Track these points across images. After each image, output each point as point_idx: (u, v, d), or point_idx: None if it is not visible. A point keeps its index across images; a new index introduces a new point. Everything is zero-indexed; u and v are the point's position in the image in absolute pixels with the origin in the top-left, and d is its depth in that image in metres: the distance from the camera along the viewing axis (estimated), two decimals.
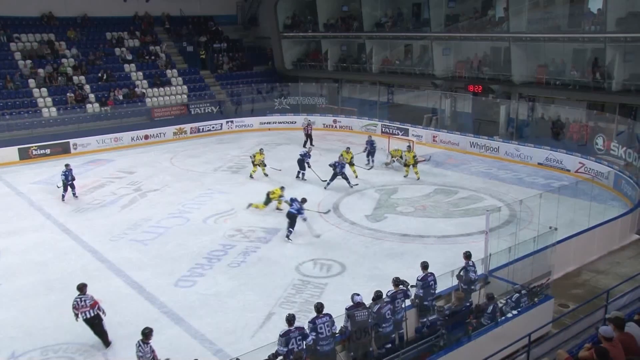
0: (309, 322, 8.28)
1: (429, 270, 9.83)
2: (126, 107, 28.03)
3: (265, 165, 20.57)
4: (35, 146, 23.82)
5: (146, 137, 26.57)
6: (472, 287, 10.11)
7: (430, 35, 27.26)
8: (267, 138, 27.03)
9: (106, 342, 10.11)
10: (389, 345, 8.91)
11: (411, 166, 20.10)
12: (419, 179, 20.01)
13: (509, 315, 9.29)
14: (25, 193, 19.23)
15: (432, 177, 20.35)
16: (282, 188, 16.73)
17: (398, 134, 25.71)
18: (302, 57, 34.12)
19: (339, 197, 18.20)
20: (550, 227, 11.53)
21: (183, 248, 14.36)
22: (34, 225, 16.15)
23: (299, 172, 20.10)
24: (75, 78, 28.12)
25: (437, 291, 9.90)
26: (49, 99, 26.67)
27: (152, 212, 17.10)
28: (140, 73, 30.00)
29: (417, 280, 9.64)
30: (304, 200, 15.08)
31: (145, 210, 17.24)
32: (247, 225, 15.87)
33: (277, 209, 16.65)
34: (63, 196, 18.17)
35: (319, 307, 8.43)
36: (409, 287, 9.39)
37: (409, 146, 21.09)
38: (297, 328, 8.01)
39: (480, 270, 10.69)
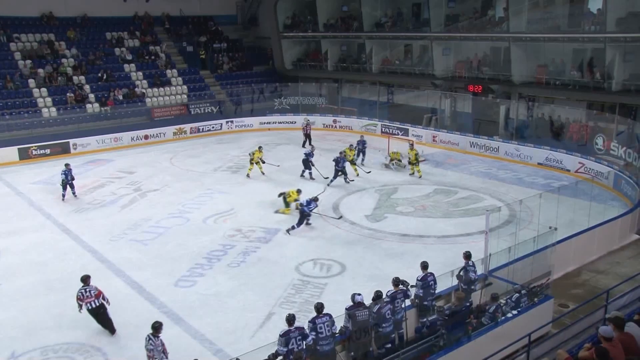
0: (309, 322, 8.28)
1: (429, 270, 9.83)
2: (126, 107, 28.03)
3: (263, 162, 20.61)
4: (35, 146, 23.82)
5: (146, 137, 26.57)
6: (472, 287, 10.12)
7: (430, 35, 27.26)
8: (267, 138, 27.02)
9: (112, 330, 10.43)
10: (389, 345, 8.91)
11: (413, 164, 20.27)
12: (420, 177, 20.12)
13: (509, 315, 9.29)
14: (25, 193, 19.23)
15: (432, 177, 20.36)
16: (298, 191, 16.62)
17: (398, 134, 25.72)
18: (302, 57, 34.13)
19: (339, 197, 18.20)
20: (550, 227, 11.54)
21: (183, 248, 14.36)
22: (33, 225, 16.15)
23: (303, 171, 20.24)
24: (75, 78, 28.12)
25: (437, 291, 9.90)
26: (48, 99, 26.67)
27: (152, 212, 17.10)
28: (140, 73, 30.00)
29: (417, 280, 9.64)
30: (316, 199, 15.68)
31: (145, 210, 17.24)
32: (247, 225, 15.87)
33: (297, 209, 16.21)
34: (63, 195, 18.19)
35: (319, 307, 8.44)
36: (408, 287, 9.40)
37: (412, 144, 21.22)
38: (297, 328, 8.01)
39: (480, 270, 10.70)
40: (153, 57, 31.20)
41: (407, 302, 9.45)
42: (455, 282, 10.25)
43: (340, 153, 19.63)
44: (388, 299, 8.95)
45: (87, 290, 10.24)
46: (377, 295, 8.88)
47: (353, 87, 31.60)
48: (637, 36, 20.25)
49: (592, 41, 22.12)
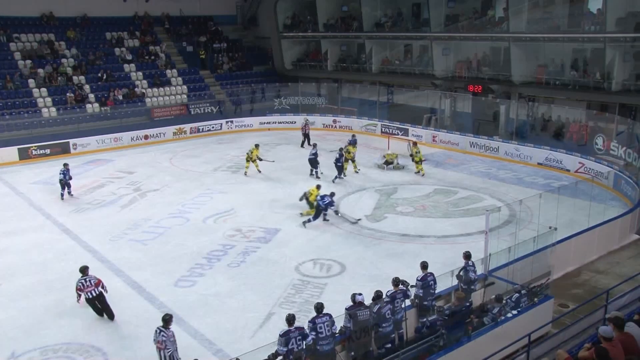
0: (309, 322, 8.28)
1: (429, 270, 9.83)
2: (126, 107, 28.03)
3: (260, 160, 20.71)
4: (35, 146, 23.82)
5: (146, 137, 26.57)
6: (472, 287, 10.12)
7: (430, 35, 27.26)
8: (266, 138, 27.02)
9: (111, 315, 10.87)
10: (389, 345, 8.91)
11: (418, 163, 20.46)
12: (423, 175, 20.24)
13: (509, 315, 9.30)
14: (25, 193, 19.23)
15: (432, 177, 20.36)
16: (318, 187, 16.74)
17: (398, 134, 25.72)
18: (302, 57, 34.14)
19: (339, 197, 18.16)
20: (550, 227, 11.55)
21: (183, 248, 14.36)
22: (33, 226, 16.15)
23: (312, 170, 20.42)
24: (75, 78, 28.12)
25: (437, 291, 9.90)
26: (48, 99, 26.67)
27: (152, 212, 17.09)
28: (140, 73, 30.00)
29: (417, 280, 9.64)
30: (332, 194, 15.91)
31: (145, 210, 17.24)
32: (246, 225, 15.86)
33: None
34: (62, 195, 18.25)
35: (319, 307, 8.44)
36: (408, 287, 9.40)
37: (415, 142, 21.40)
38: (297, 328, 8.01)
39: (480, 270, 10.70)
40: (153, 57, 31.20)
41: (407, 302, 9.44)
42: (455, 282, 10.25)
43: (340, 149, 20.07)
44: (388, 299, 8.95)
45: (87, 279, 10.71)
46: (377, 295, 8.89)
47: (353, 87, 31.60)
48: (637, 36, 20.26)
49: (592, 41, 22.13)
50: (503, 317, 9.19)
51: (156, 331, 8.63)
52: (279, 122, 29.69)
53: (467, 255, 10.28)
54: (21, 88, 26.65)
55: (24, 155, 23.47)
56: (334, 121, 29.37)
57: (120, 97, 28.20)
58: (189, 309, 11.32)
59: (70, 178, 18.33)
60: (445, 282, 10.28)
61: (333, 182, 19.48)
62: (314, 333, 8.14)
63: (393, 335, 9.06)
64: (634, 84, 20.90)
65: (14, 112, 25.46)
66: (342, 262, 13.35)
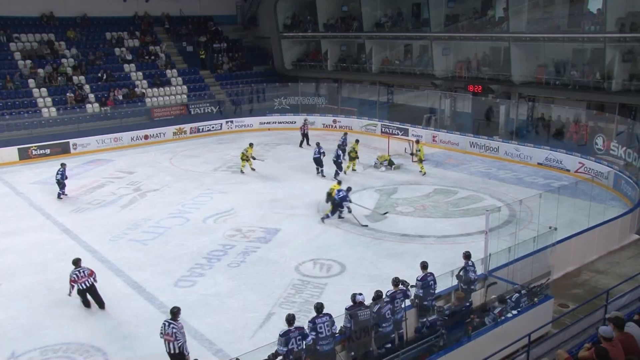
0: (309, 322, 8.28)
1: (429, 270, 9.83)
2: (126, 107, 28.03)
3: (254, 159, 20.88)
4: (35, 146, 23.82)
5: (146, 137, 26.57)
6: (472, 287, 10.12)
7: (430, 35, 27.26)
8: (266, 138, 27.03)
9: (102, 304, 11.19)
10: (389, 345, 8.91)
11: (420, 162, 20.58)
12: (424, 174, 20.28)
13: (509, 315, 9.30)
14: (25, 193, 19.23)
15: (432, 177, 20.36)
16: (339, 182, 16.86)
17: (398, 134, 25.72)
18: (302, 57, 34.13)
19: None
20: (549, 227, 11.54)
21: (183, 248, 14.35)
22: (33, 226, 16.15)
23: (317, 168, 20.55)
24: (75, 78, 28.11)
25: (437, 291, 9.89)
26: (48, 99, 26.66)
27: (152, 212, 17.09)
28: (140, 73, 30.00)
29: (417, 280, 9.64)
30: (349, 189, 16.20)
31: (145, 210, 17.24)
32: (246, 225, 15.86)
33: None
34: (59, 194, 18.30)
35: (319, 307, 8.44)
36: (408, 287, 9.40)
37: (418, 140, 21.52)
38: (296, 328, 8.01)
39: (480, 270, 10.70)
40: (153, 57, 31.20)
41: (407, 302, 9.44)
42: (455, 282, 10.25)
43: (338, 147, 20.63)
44: (388, 299, 8.95)
45: (81, 271, 11.04)
46: (377, 295, 8.89)
47: (353, 87, 31.59)
48: (637, 36, 20.25)
49: (592, 41, 22.13)
50: (503, 317, 9.20)
51: (164, 324, 8.67)
52: (278, 122, 29.68)
53: (467, 255, 10.28)
54: (21, 88, 26.64)
55: (24, 155, 23.47)
56: (334, 121, 29.36)
57: (120, 97, 28.20)
58: (189, 309, 11.26)
59: (66, 178, 18.35)
60: (445, 282, 10.27)
61: (335, 178, 19.45)
62: (314, 333, 8.14)
63: (393, 335, 9.06)
64: (634, 84, 20.88)
65: (14, 112, 25.46)
66: (342, 262, 13.35)
